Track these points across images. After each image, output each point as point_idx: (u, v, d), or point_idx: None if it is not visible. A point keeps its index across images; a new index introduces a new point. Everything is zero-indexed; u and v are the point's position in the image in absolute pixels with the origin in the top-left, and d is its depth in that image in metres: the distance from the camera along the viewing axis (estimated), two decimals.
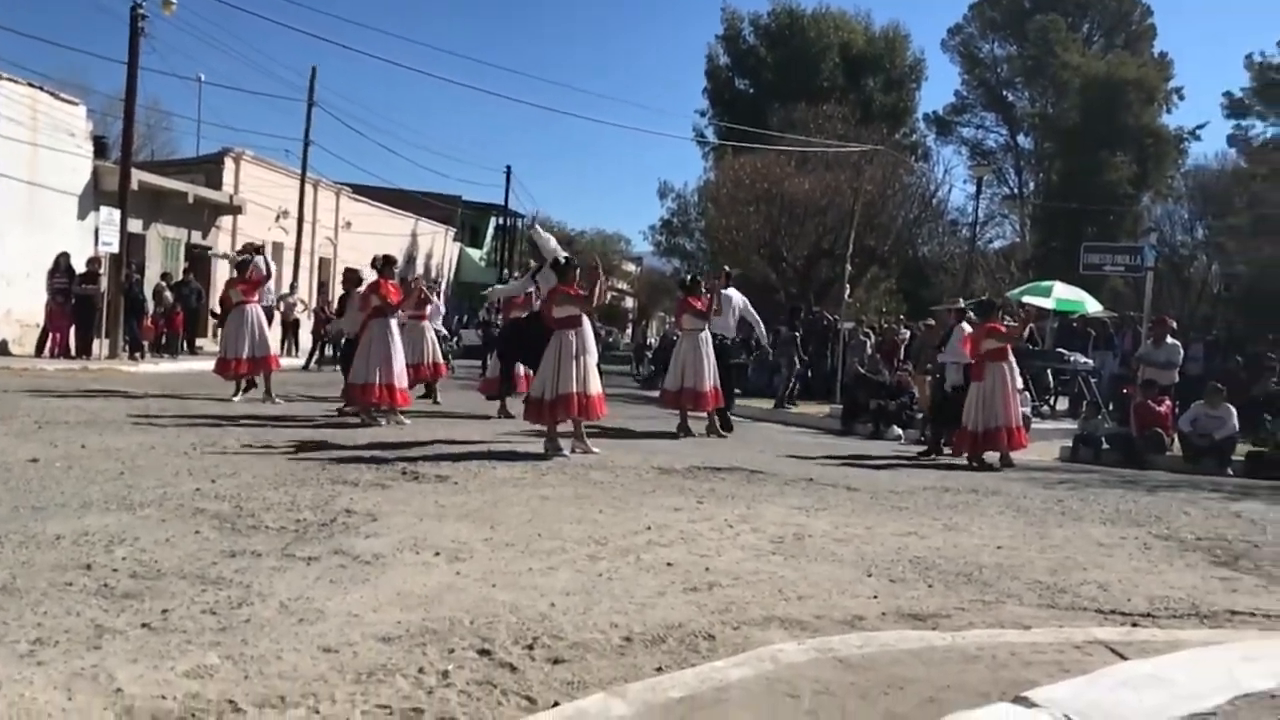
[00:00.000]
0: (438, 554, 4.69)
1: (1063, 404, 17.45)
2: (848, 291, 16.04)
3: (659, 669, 3.36)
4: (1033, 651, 3.16)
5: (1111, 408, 16.17)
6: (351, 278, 12.79)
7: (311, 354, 22.24)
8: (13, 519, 4.83)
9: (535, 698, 2.97)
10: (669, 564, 4.76)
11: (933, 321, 20.66)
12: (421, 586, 4.09)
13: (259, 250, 13.77)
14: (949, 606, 4.36)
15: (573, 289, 8.77)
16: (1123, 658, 3.10)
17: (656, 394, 12.96)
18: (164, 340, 20.55)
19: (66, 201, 19.59)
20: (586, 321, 8.80)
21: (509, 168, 42.95)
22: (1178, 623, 4.30)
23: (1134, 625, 4.20)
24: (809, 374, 20.91)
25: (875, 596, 4.44)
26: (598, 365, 8.90)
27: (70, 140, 19.51)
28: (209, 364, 19.64)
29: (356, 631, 3.47)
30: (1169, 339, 12.70)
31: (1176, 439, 12.02)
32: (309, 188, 28.89)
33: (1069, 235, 27.68)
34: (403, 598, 3.92)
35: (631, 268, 63.82)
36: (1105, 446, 12.28)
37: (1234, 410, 11.85)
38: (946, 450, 10.75)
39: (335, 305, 16.26)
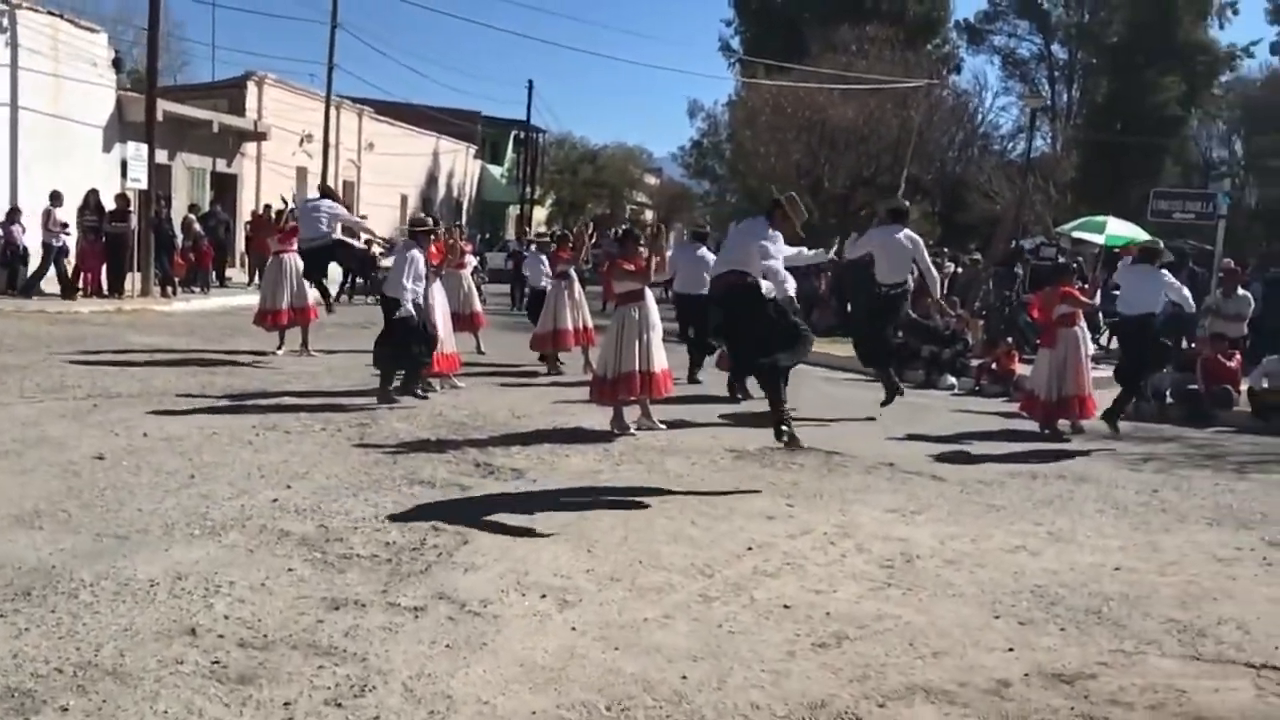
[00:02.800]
0: (544, 596, 4.47)
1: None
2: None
3: None
4: None
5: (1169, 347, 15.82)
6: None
7: (343, 287, 21.88)
8: (100, 555, 4.62)
9: None
10: (786, 606, 4.53)
11: (978, 257, 20.24)
12: (542, 654, 3.86)
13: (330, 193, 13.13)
14: (1090, 661, 4.13)
15: (635, 261, 8.42)
16: None
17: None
18: (195, 274, 20.29)
19: (91, 134, 19.15)
20: (649, 295, 8.46)
21: (530, 82, 42.13)
22: None
23: None
24: (848, 309, 20.59)
25: (1011, 649, 4.21)
26: (662, 339, 8.57)
27: (93, 70, 19.00)
28: (240, 298, 19.64)
29: None
30: (1239, 290, 12.26)
31: (1244, 393, 11.69)
32: (332, 110, 28.26)
33: (1113, 158, 26.92)
34: (527, 671, 3.70)
35: (652, 180, 62.97)
36: (1169, 401, 11.97)
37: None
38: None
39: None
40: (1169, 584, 5.15)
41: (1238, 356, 11.91)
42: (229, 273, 22.46)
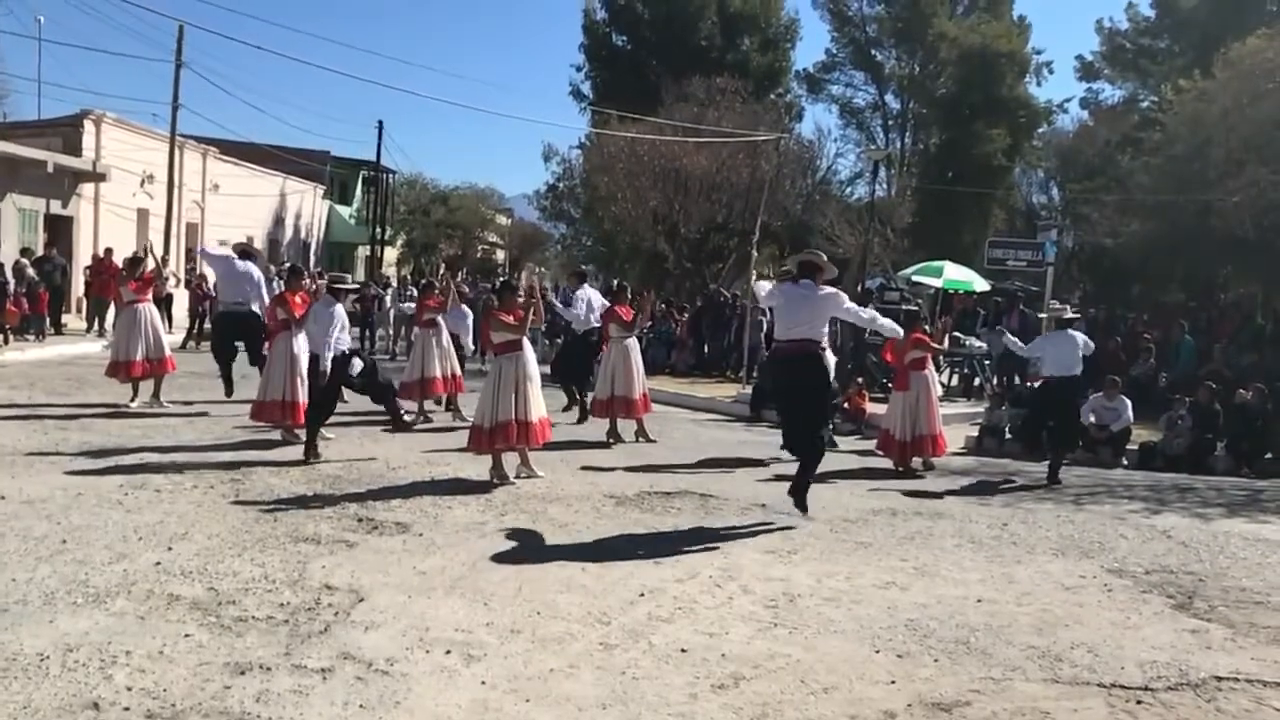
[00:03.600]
0: (448, 652, 4.55)
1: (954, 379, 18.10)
2: (754, 276, 16.18)
3: None
4: None
5: (998, 385, 16.90)
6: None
7: (190, 332, 21.16)
8: None
9: None
10: (683, 650, 4.74)
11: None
12: (456, 709, 3.96)
13: (248, 250, 12.44)
14: (964, 689, 4.47)
15: (513, 312, 8.57)
16: None
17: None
18: (28, 322, 19.28)
19: None
20: (527, 345, 8.62)
21: (380, 123, 41.54)
22: (1175, 696, 4.52)
23: (1138, 703, 4.41)
24: (705, 350, 21.16)
25: (893, 681, 4.52)
26: (540, 388, 8.74)
27: None
28: (80, 346, 18.78)
29: None
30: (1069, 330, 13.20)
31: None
32: (176, 150, 27.34)
33: (945, 204, 28.57)
34: None
35: (504, 220, 62.99)
36: (1008, 438, 12.81)
37: (1129, 402, 12.50)
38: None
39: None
40: (1025, 613, 5.59)
41: None
42: (65, 319, 21.43)
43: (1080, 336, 10.50)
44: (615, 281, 11.93)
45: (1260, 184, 18.33)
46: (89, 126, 24.44)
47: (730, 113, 24.23)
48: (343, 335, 9.39)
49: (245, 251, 12.25)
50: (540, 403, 8.56)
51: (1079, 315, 13.07)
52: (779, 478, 9.51)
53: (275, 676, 4.16)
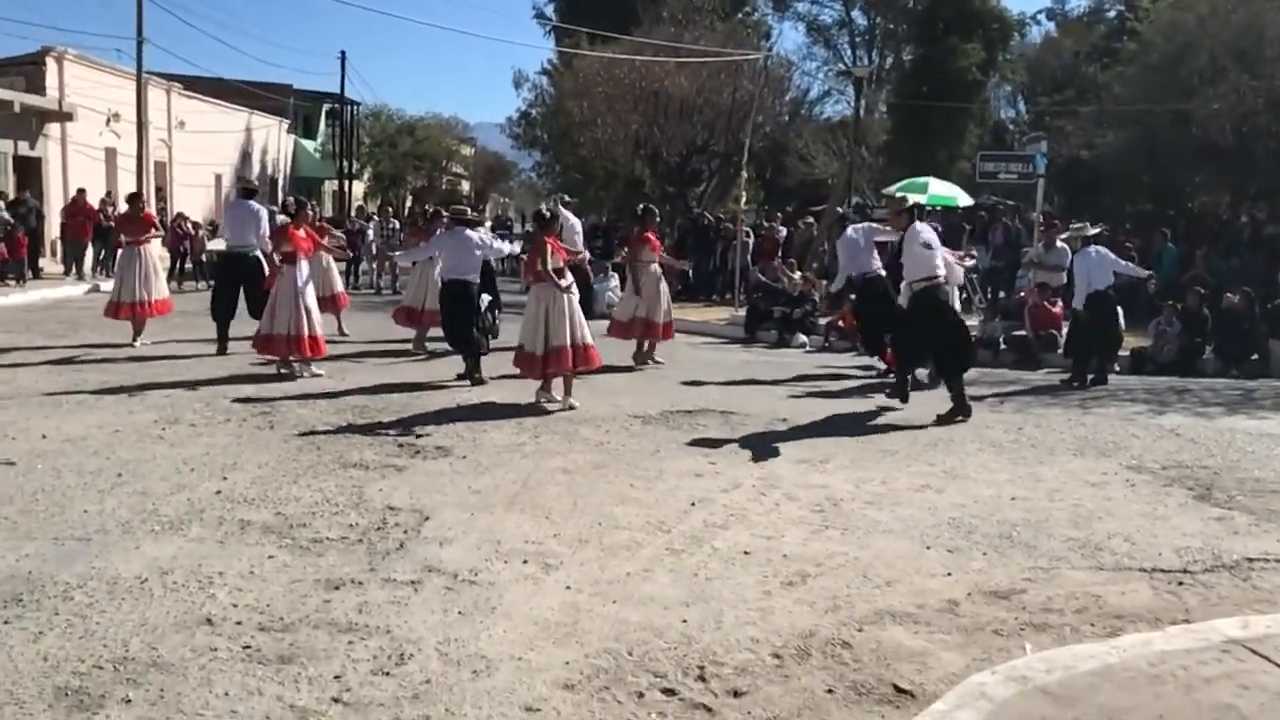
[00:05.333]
0: (525, 561, 4.74)
1: None
2: (744, 199, 16.24)
3: (829, 690, 3.59)
4: (1197, 663, 3.51)
5: (985, 300, 17.17)
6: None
7: (170, 271, 20.93)
8: (71, 558, 4.58)
9: None
10: (746, 552, 4.96)
11: (811, 220, 21.24)
12: (549, 611, 4.15)
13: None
14: (1016, 578, 4.73)
15: (556, 243, 8.72)
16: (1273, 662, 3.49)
17: None
18: (6, 266, 19.03)
19: None
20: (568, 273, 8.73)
21: (343, 53, 40.75)
22: (1212, 577, 4.80)
23: (1180, 584, 4.69)
24: (690, 276, 21.26)
25: (949, 574, 4.77)
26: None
27: None
28: (63, 289, 18.60)
29: (537, 681, 3.54)
30: (1058, 242, 13.46)
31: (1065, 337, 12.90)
32: (141, 87, 26.71)
33: (919, 122, 28.60)
34: (543, 629, 3.98)
35: (468, 151, 62.24)
36: (1003, 348, 13.10)
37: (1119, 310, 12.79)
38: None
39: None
40: (1059, 508, 5.86)
41: (1060, 303, 13.11)
42: (40, 263, 21.14)
43: (1103, 250, 11.26)
44: (641, 206, 11.77)
45: (1241, 90, 18.50)
46: (51, 64, 23.83)
47: (709, 32, 24.02)
48: (499, 245, 10.54)
49: (249, 190, 12.16)
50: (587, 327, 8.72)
51: (1099, 231, 13.60)
52: (790, 395, 9.76)
53: (368, 590, 4.33)
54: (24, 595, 4.13)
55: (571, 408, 8.48)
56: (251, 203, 11.71)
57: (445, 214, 11.42)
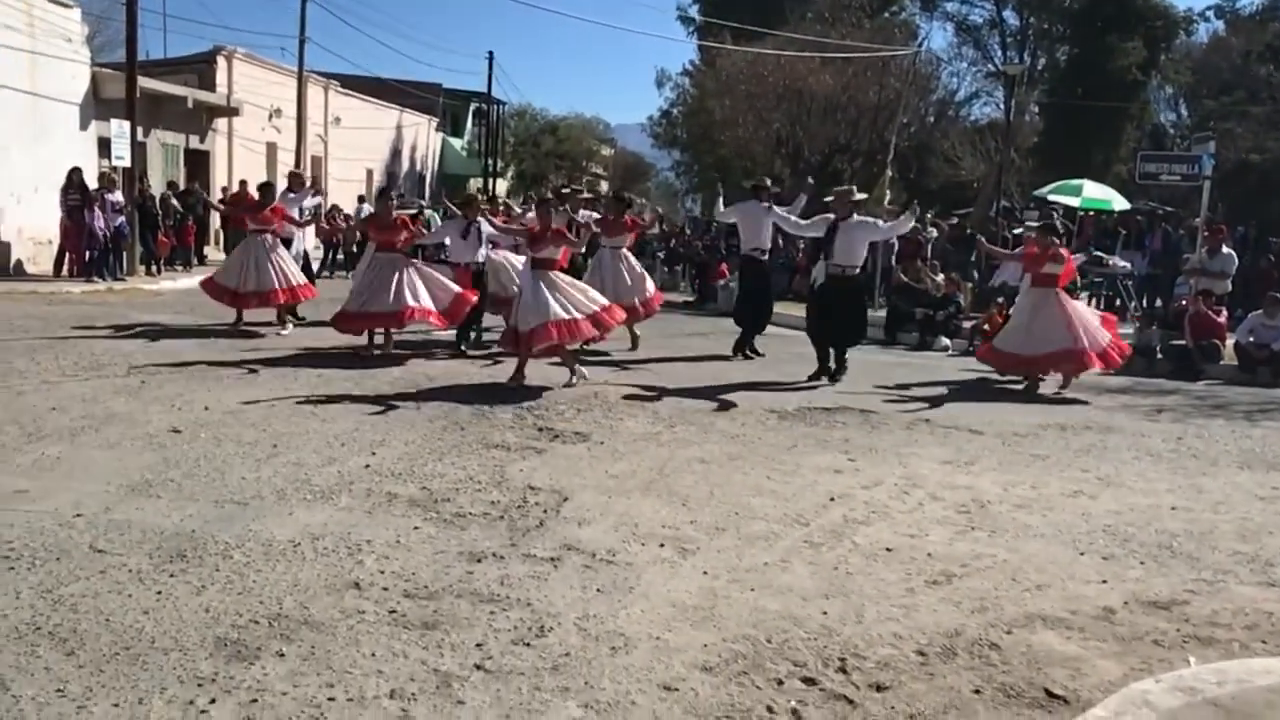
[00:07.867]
0: (662, 545, 4.73)
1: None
2: (887, 198, 15.93)
3: (976, 691, 3.45)
4: None
5: (1141, 308, 16.40)
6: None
7: (324, 262, 21.78)
8: (230, 520, 4.79)
9: None
10: (888, 549, 4.84)
11: (956, 220, 20.67)
12: (687, 595, 4.13)
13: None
14: (1178, 590, 4.48)
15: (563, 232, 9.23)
16: None
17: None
18: (176, 253, 20.12)
19: (67, 112, 18.84)
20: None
21: (491, 53, 41.75)
22: None
23: None
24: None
25: (1104, 581, 4.55)
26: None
27: (67, 46, 18.65)
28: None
29: (675, 661, 3.52)
30: (1224, 248, 12.76)
31: (1230, 347, 12.23)
32: (302, 84, 27.95)
33: (1073, 123, 27.53)
34: (681, 611, 3.96)
35: (608, 151, 62.92)
36: (1160, 357, 12.48)
37: None
38: None
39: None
40: (1224, 521, 5.54)
41: (1224, 312, 12.41)
42: (205, 250, 22.27)
43: None
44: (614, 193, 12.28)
45: None
46: (221, 63, 25.12)
47: (856, 30, 23.64)
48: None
49: (300, 181, 13.04)
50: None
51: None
52: (934, 398, 9.50)
53: (509, 564, 4.39)
54: (188, 552, 4.34)
55: (571, 386, 8.79)
56: (294, 195, 13.14)
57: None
